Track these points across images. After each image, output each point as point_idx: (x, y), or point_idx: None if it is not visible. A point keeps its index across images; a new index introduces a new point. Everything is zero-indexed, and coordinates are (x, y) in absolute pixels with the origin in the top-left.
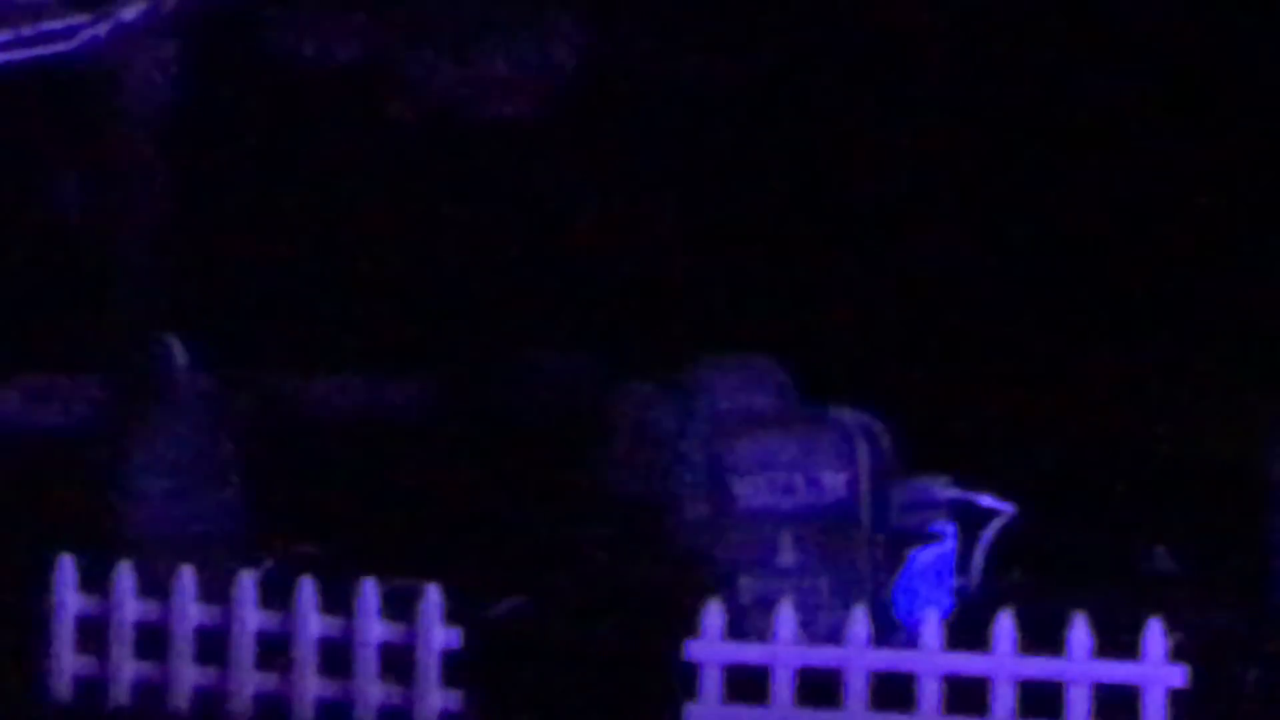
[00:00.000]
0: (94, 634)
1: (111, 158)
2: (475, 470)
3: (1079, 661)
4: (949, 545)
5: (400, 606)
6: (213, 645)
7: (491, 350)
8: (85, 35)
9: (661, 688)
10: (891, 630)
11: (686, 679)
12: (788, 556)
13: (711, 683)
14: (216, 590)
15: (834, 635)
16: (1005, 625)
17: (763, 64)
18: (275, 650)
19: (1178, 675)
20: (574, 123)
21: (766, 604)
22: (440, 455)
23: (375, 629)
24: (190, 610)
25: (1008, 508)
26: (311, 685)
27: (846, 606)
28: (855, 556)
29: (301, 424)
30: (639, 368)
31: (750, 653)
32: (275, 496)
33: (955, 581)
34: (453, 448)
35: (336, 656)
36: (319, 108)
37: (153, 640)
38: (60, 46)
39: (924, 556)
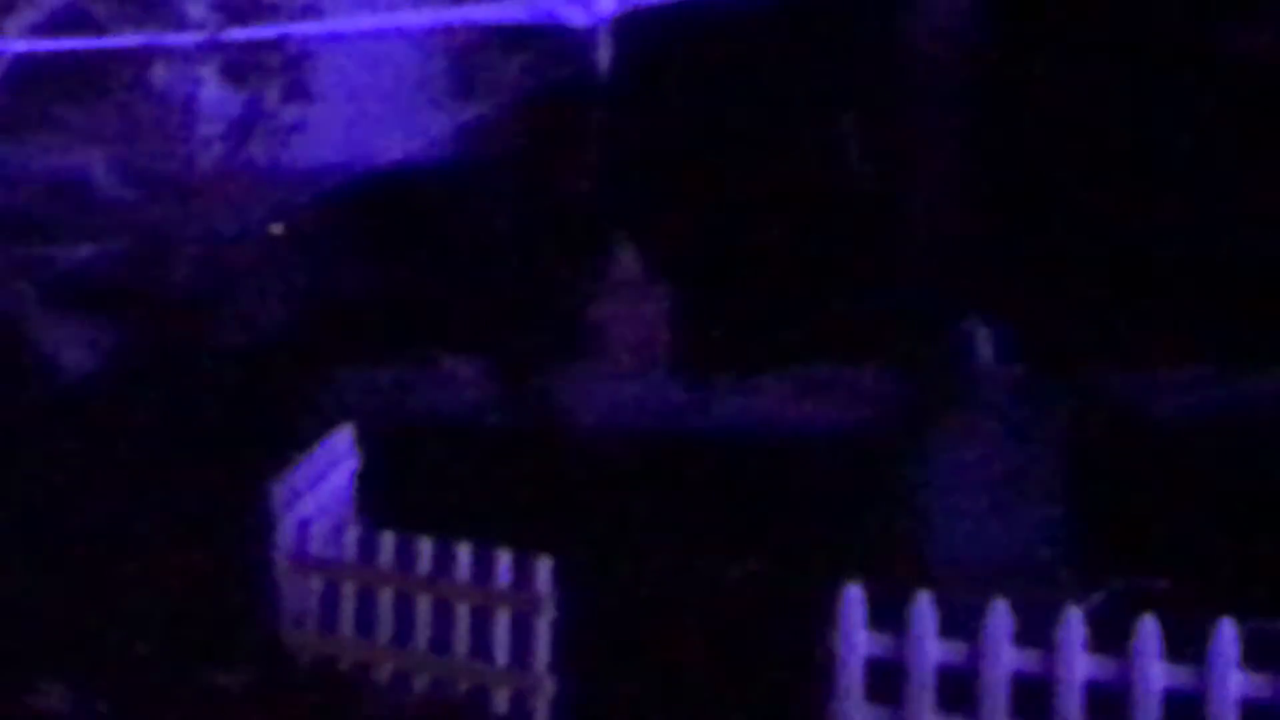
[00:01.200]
0: (887, 680)
1: (900, 97)
2: None
3: None
4: None
5: (1271, 655)
6: (1030, 695)
7: None
8: None
9: None
10: None
11: None
12: None
13: None
14: (1034, 630)
15: None
16: None
17: None
18: (1107, 707)
19: None
20: None
21: None
22: None
23: (1235, 681)
24: (1003, 653)
25: None
26: None
27: None
28: None
29: (1140, 427)
30: None
31: None
32: (1108, 516)
33: None
34: None
35: (1184, 715)
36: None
37: (958, 688)
38: None
39: None
